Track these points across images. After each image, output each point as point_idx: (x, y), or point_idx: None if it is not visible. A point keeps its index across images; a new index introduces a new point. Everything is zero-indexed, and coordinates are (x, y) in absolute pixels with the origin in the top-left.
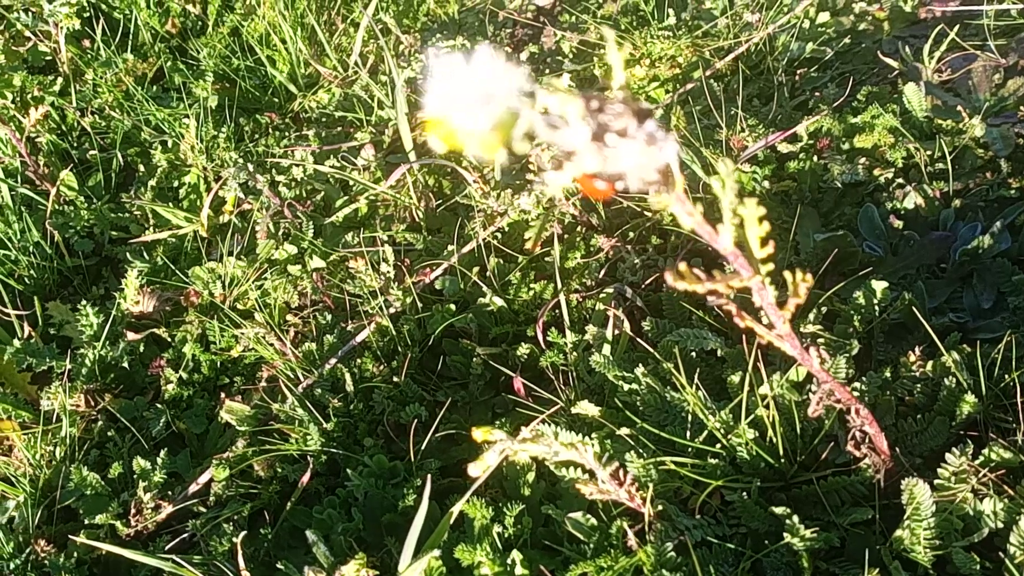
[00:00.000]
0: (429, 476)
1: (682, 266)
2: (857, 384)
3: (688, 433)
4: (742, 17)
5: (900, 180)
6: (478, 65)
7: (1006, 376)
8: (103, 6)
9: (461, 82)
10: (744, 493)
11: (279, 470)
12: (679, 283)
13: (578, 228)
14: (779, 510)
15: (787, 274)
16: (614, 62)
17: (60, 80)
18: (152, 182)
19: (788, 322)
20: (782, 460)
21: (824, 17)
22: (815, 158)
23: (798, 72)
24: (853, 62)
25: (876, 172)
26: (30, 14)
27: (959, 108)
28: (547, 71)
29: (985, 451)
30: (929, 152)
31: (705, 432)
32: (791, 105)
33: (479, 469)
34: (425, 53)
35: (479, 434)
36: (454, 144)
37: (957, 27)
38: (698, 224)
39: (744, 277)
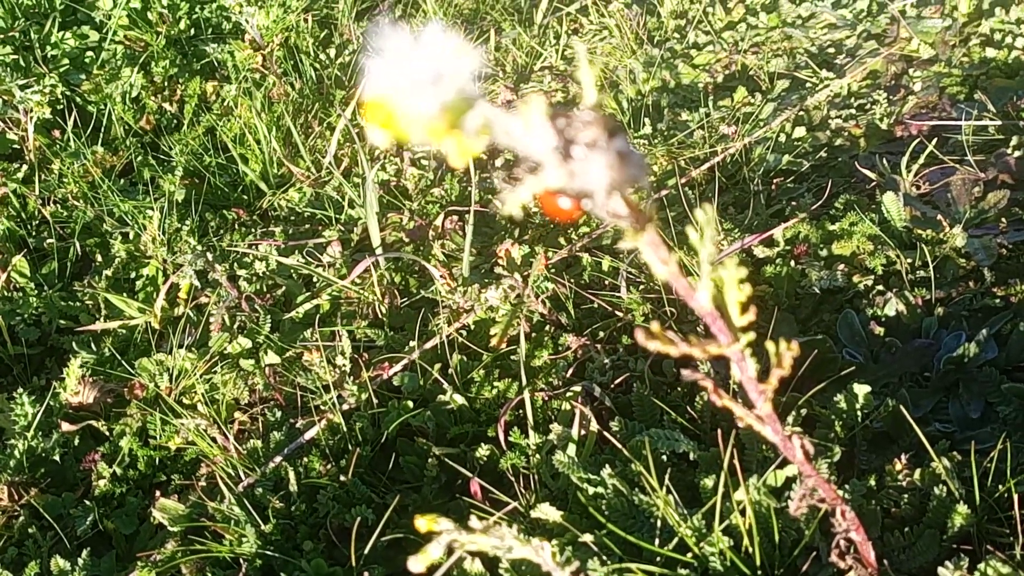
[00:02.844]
0: None
1: (654, 326)
2: (840, 492)
3: (657, 540)
4: (718, 129)
5: (880, 287)
6: (427, 42)
7: (999, 487)
8: (77, 99)
9: (406, 60)
10: None
11: (210, 574)
12: (650, 343)
13: (546, 327)
14: None
15: (769, 344)
16: (585, 80)
17: (25, 168)
18: (108, 272)
19: (770, 400)
20: (759, 573)
21: (800, 132)
22: (792, 263)
23: (774, 182)
24: (830, 174)
25: (855, 279)
26: (0, 101)
27: (939, 218)
28: (521, 176)
29: (981, 566)
30: (910, 260)
31: (675, 539)
32: (767, 213)
33: (422, 564)
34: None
35: (423, 523)
36: (396, 131)
37: (934, 142)
38: (672, 276)
39: (722, 343)
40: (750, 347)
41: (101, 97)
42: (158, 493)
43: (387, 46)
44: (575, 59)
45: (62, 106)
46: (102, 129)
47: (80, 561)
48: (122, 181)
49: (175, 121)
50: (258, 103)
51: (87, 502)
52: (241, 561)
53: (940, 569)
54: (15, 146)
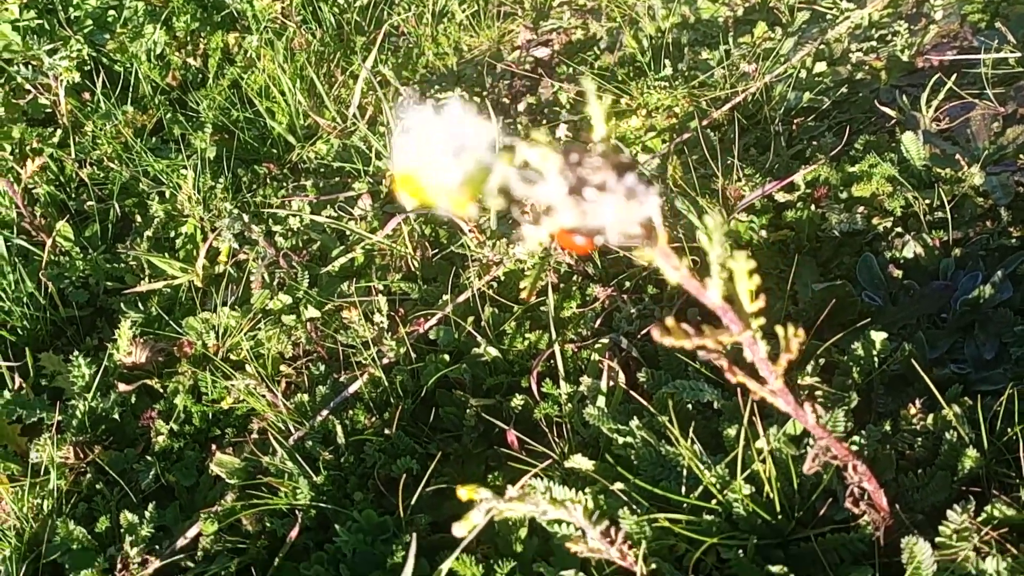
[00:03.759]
0: (415, 535)
1: (669, 321)
2: (856, 438)
3: (683, 488)
4: (738, 68)
5: (899, 229)
6: (448, 118)
7: (1009, 430)
8: (104, 60)
9: (431, 135)
10: (740, 551)
11: (268, 524)
12: (666, 339)
13: (574, 277)
14: (775, 569)
15: (779, 328)
16: (595, 114)
17: (59, 132)
18: (148, 232)
19: (781, 378)
20: (779, 517)
21: (821, 67)
22: (813, 207)
23: (795, 121)
24: (850, 111)
25: (875, 221)
26: (30, 67)
27: (958, 157)
28: (544, 122)
29: (988, 508)
30: (928, 201)
31: (700, 487)
32: (788, 154)
33: (464, 529)
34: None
35: (464, 492)
36: (424, 199)
37: (954, 76)
38: (684, 278)
39: (734, 332)
40: (762, 329)
41: (127, 56)
42: (214, 447)
43: (412, 122)
44: None
45: (89, 67)
46: (130, 88)
47: (147, 514)
48: (154, 140)
49: (200, 76)
50: (280, 55)
51: (148, 457)
52: (296, 512)
53: (949, 512)
54: (47, 110)
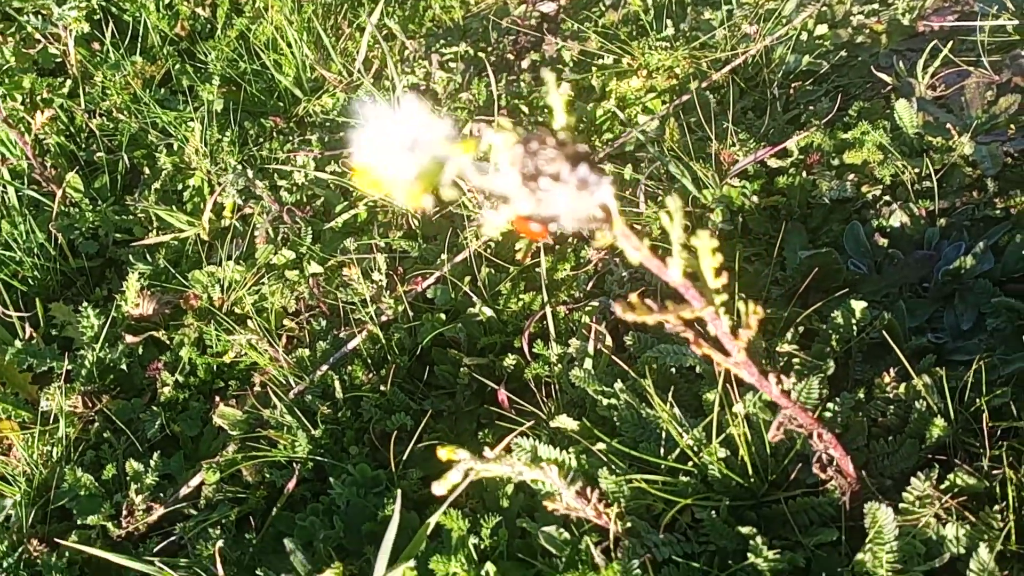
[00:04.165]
0: (400, 492)
1: (632, 297)
2: (830, 405)
3: (662, 450)
4: (740, 28)
5: (887, 197)
6: (404, 114)
7: (977, 400)
8: (113, 9)
9: (387, 131)
10: (713, 511)
11: (267, 475)
12: (628, 315)
13: (568, 239)
14: (745, 530)
15: (740, 304)
16: (555, 104)
17: (69, 82)
18: (156, 185)
19: (743, 351)
20: (752, 479)
21: (822, 29)
22: (804, 173)
23: (793, 85)
24: (849, 75)
25: (864, 189)
26: (40, 17)
27: (949, 125)
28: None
29: (951, 476)
30: (917, 169)
31: (678, 450)
32: (784, 119)
33: (443, 488)
34: (427, 58)
35: (443, 453)
36: (382, 190)
37: (952, 42)
38: (645, 258)
39: (696, 308)
40: (724, 306)
41: (136, 6)
42: (217, 399)
43: (370, 117)
44: None
45: (98, 17)
46: (139, 38)
47: (152, 463)
48: (162, 91)
49: (208, 26)
50: (288, 6)
51: (154, 407)
52: (295, 464)
53: (912, 480)
54: (57, 60)
